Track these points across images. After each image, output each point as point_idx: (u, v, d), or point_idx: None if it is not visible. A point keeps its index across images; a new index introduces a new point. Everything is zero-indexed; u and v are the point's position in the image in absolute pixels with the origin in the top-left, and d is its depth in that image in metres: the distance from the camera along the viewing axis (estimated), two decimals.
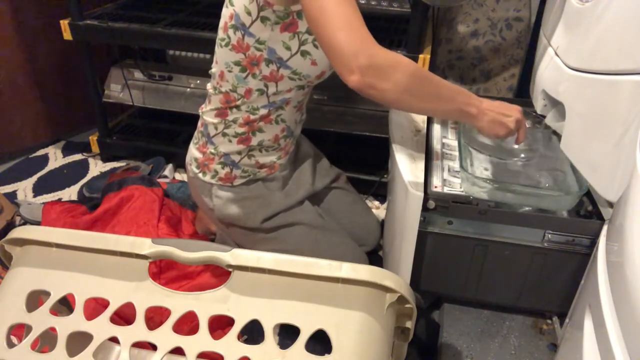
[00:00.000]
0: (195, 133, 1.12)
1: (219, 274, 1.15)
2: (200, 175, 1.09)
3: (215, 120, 1.04)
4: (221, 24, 0.97)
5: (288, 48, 0.94)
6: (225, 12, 0.95)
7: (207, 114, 1.06)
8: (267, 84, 0.98)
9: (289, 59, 0.95)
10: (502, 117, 0.92)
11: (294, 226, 1.11)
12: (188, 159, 1.14)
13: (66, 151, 1.99)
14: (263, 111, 1.01)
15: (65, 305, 0.79)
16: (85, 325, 0.69)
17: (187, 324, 0.85)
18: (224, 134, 1.05)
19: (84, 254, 0.73)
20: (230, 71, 0.98)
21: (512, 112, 0.93)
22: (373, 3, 1.77)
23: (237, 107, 1.01)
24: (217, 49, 1.00)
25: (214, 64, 1.03)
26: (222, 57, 0.98)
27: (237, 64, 0.97)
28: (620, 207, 0.74)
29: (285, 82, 0.98)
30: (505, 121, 0.92)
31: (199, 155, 1.09)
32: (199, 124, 1.10)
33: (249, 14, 0.91)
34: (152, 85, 1.82)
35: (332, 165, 1.34)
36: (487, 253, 0.96)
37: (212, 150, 1.07)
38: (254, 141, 1.05)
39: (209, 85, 1.06)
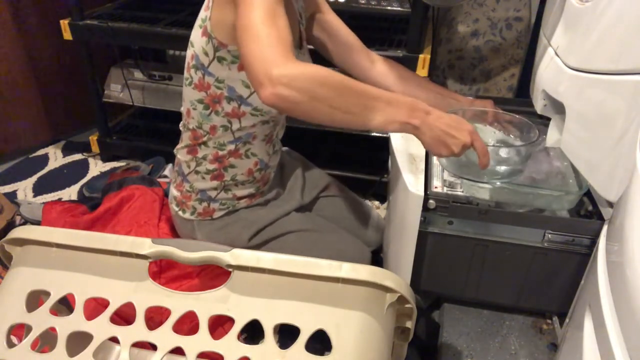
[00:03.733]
0: (173, 172, 1.14)
1: (219, 273, 1.15)
2: (180, 212, 1.10)
3: (187, 158, 1.06)
4: (185, 63, 0.99)
5: (247, 86, 0.95)
6: (188, 53, 0.98)
7: (180, 152, 1.08)
8: (231, 120, 0.99)
9: (249, 97, 0.97)
10: (447, 137, 0.81)
11: (284, 236, 1.10)
12: (169, 197, 1.15)
13: (66, 151, 1.99)
14: (230, 146, 1.03)
15: (65, 305, 0.79)
16: (85, 325, 0.68)
17: (187, 324, 0.85)
18: (197, 172, 1.06)
19: (84, 254, 0.73)
20: (195, 109, 1.00)
21: (460, 135, 0.81)
22: (373, 3, 1.77)
23: (205, 143, 1.03)
24: (183, 88, 1.02)
25: (183, 102, 1.05)
26: (187, 95, 1.01)
27: (200, 101, 0.99)
28: (620, 207, 0.74)
29: (248, 118, 1.00)
30: (449, 142, 0.81)
31: (177, 193, 1.11)
32: (175, 162, 1.12)
33: (206, 54, 0.93)
34: (152, 85, 1.82)
35: (324, 173, 1.32)
36: (487, 253, 0.96)
37: (188, 188, 1.08)
38: (227, 176, 1.06)
39: (180, 123, 1.08)
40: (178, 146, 1.10)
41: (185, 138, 1.06)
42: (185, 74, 1.00)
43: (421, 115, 0.81)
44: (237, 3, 0.80)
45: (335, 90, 0.75)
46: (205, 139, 1.02)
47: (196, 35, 0.95)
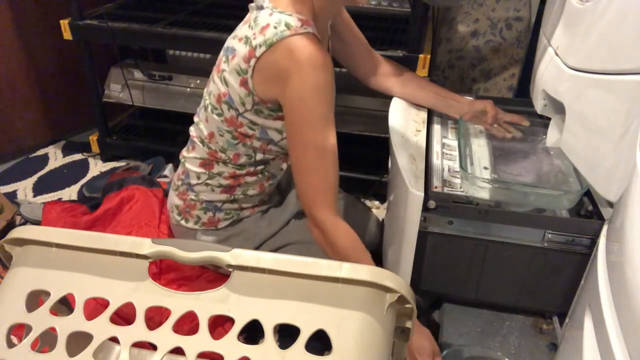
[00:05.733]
0: (174, 179, 1.12)
1: (219, 277, 1.15)
2: (182, 222, 1.09)
3: (199, 170, 1.04)
4: (214, 91, 0.97)
5: (280, 132, 0.97)
6: (220, 87, 0.95)
7: (190, 162, 1.05)
8: (256, 151, 1.01)
9: (280, 141, 0.99)
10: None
11: (285, 247, 1.10)
12: (169, 205, 1.13)
13: (66, 151, 1.99)
14: (249, 168, 1.03)
15: (65, 305, 0.79)
16: (85, 325, 0.68)
17: (187, 324, 0.85)
18: (207, 184, 1.05)
19: (84, 254, 0.73)
20: (221, 135, 0.99)
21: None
22: (373, 3, 1.77)
23: (225, 163, 1.02)
24: (208, 111, 0.99)
25: (203, 120, 1.02)
26: (214, 123, 0.99)
27: (229, 132, 0.98)
28: (620, 207, 0.74)
29: (273, 153, 1.02)
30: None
31: (179, 202, 1.09)
32: (180, 170, 1.10)
33: (243, 104, 0.93)
34: (152, 85, 1.82)
35: None
36: (487, 253, 0.96)
37: (193, 197, 1.06)
38: (239, 191, 1.06)
39: (193, 132, 1.06)
40: (187, 154, 1.07)
41: (201, 151, 1.04)
42: (214, 103, 0.97)
43: None
44: (290, 123, 0.89)
45: (338, 257, 0.91)
46: (226, 160, 1.02)
47: (233, 80, 0.92)
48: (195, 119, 1.06)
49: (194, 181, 1.06)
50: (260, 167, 1.04)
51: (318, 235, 0.92)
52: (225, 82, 0.94)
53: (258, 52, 0.87)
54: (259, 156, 1.01)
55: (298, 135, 0.89)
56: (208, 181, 1.04)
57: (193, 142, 1.06)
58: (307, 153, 0.88)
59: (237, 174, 1.03)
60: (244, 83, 0.91)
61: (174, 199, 1.11)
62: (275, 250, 1.10)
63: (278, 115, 0.93)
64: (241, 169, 1.03)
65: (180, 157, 1.10)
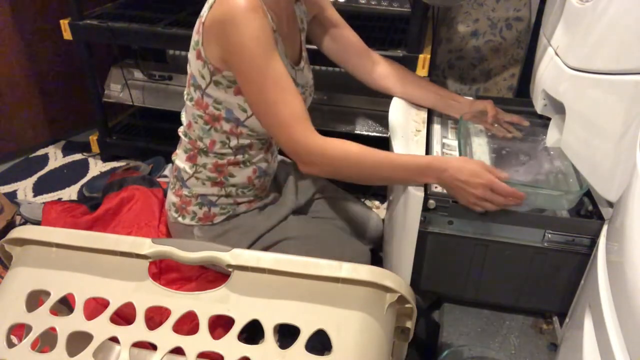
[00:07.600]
0: (171, 178, 1.14)
1: (218, 277, 1.15)
2: (179, 219, 1.10)
3: (186, 165, 1.06)
4: (187, 77, 1.01)
5: (244, 110, 0.97)
6: (188, 70, 0.99)
7: (179, 158, 1.09)
8: (229, 137, 1.01)
9: (246, 120, 0.99)
10: (462, 192, 0.88)
11: (283, 242, 1.10)
12: (167, 204, 1.15)
13: (66, 151, 1.99)
14: (229, 157, 1.04)
15: (65, 305, 0.79)
16: (85, 325, 0.69)
17: (187, 324, 0.85)
18: (196, 178, 1.06)
19: (84, 253, 0.73)
20: (196, 122, 1.02)
21: (472, 189, 0.87)
22: (373, 3, 1.77)
23: (205, 153, 1.04)
24: (185, 100, 1.03)
25: (184, 112, 1.06)
26: (190, 110, 1.02)
27: (200, 117, 1.00)
28: (620, 207, 0.74)
29: (245, 137, 1.02)
30: (467, 196, 0.88)
31: (175, 199, 1.10)
32: (173, 169, 1.12)
33: (203, 77, 0.95)
34: (152, 85, 1.82)
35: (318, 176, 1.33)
36: (487, 253, 0.96)
37: (187, 193, 1.08)
38: (227, 184, 1.07)
39: (180, 130, 1.09)
40: (177, 151, 1.10)
41: (185, 144, 1.07)
42: (186, 89, 1.01)
43: (436, 174, 0.89)
44: (238, 73, 0.89)
45: (354, 168, 0.91)
46: (204, 149, 1.03)
47: (192, 56, 0.96)
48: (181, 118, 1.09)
49: (185, 176, 1.07)
50: (240, 157, 1.04)
51: (320, 169, 0.91)
52: (190, 64, 0.97)
53: (204, 18, 0.90)
54: (233, 142, 1.02)
55: (249, 82, 0.89)
56: (196, 174, 1.06)
57: (180, 138, 1.09)
58: (264, 93, 0.88)
59: (219, 164, 1.04)
60: (199, 55, 0.93)
61: (170, 197, 1.12)
62: (273, 245, 1.10)
63: (237, 87, 0.94)
64: (222, 159, 1.03)
65: (173, 156, 1.12)
